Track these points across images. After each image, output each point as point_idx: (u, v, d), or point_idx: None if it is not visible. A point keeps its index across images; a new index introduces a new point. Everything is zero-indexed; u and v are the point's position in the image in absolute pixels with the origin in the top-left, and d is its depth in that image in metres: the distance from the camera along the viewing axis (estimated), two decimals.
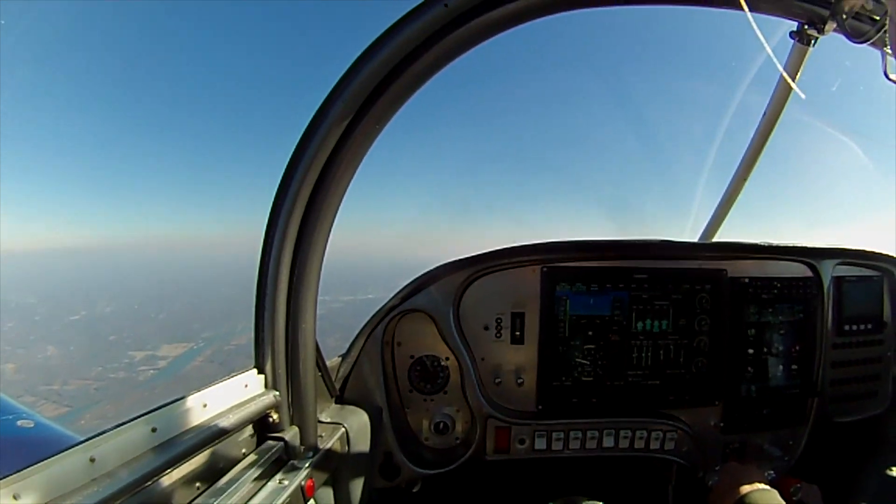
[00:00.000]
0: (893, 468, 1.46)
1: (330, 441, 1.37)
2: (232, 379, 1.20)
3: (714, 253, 1.78)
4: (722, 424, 1.74)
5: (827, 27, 1.49)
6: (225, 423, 1.11)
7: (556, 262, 1.64)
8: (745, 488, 1.38)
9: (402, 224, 44.81)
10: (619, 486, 1.89)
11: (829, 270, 1.80)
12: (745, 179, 2.01)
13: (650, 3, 1.25)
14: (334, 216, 1.23)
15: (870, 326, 1.86)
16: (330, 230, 1.24)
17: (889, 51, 1.74)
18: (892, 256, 1.90)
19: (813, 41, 1.56)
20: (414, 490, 1.68)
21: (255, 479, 1.14)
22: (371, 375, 1.62)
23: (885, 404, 1.88)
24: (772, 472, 1.73)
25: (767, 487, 1.39)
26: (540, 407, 1.66)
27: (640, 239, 1.74)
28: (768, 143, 1.88)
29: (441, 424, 1.68)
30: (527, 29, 1.15)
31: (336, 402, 1.56)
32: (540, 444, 1.66)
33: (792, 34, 1.55)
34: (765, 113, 1.83)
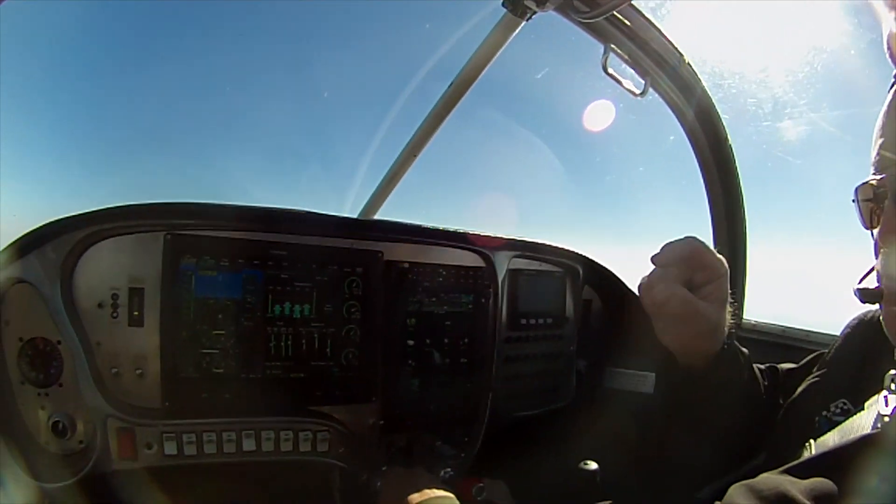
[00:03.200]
0: (588, 462, 1.46)
1: None
2: None
3: (369, 232, 1.56)
4: (381, 423, 1.58)
5: (550, 2, 1.29)
6: None
7: (184, 229, 1.37)
8: (415, 497, 1.21)
9: None
10: (278, 494, 1.66)
11: (504, 262, 1.70)
12: (414, 156, 1.78)
13: None
14: None
15: (549, 321, 1.84)
16: None
17: (615, 48, 1.61)
18: (575, 253, 1.88)
19: (529, 14, 1.33)
20: None
21: None
22: None
23: (567, 399, 1.90)
24: (449, 470, 1.62)
25: (442, 494, 1.22)
26: (167, 404, 1.38)
27: (283, 208, 1.48)
28: (446, 121, 1.64)
29: (59, 425, 1.36)
30: None
31: None
32: (170, 448, 1.40)
33: (505, 3, 1.33)
34: (450, 84, 1.58)
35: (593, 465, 1.46)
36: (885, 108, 0.70)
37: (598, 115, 1.67)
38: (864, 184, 0.71)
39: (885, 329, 0.73)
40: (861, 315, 0.99)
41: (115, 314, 1.36)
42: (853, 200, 0.74)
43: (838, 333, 1.66)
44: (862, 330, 0.96)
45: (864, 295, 0.73)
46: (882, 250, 0.70)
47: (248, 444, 1.46)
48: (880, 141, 0.70)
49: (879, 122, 0.71)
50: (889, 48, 0.57)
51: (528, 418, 1.81)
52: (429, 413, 1.65)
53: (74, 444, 1.40)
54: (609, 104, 1.66)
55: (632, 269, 1.80)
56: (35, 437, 1.39)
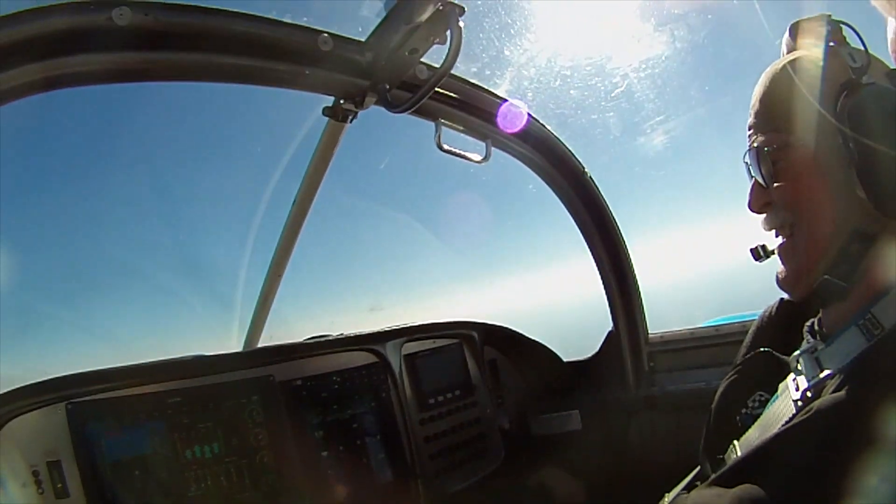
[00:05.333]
0: None
1: None
2: None
3: (254, 360, 1.61)
4: None
5: (367, 100, 1.32)
6: None
7: (83, 396, 1.41)
8: None
9: None
10: None
11: (396, 351, 1.74)
12: (279, 276, 1.79)
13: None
14: None
15: (458, 392, 1.87)
16: None
17: (445, 122, 1.63)
18: (464, 322, 1.93)
19: (351, 116, 1.37)
20: None
21: None
22: None
23: (498, 459, 1.91)
24: None
25: None
26: None
27: (170, 358, 1.54)
28: (301, 233, 1.66)
29: None
30: None
31: None
32: None
33: (326, 111, 1.36)
34: (294, 202, 1.59)
35: None
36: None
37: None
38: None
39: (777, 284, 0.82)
40: (767, 311, 1.03)
41: (40, 490, 1.36)
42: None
43: (744, 318, 1.70)
44: (770, 323, 1.00)
45: (756, 253, 0.84)
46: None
47: None
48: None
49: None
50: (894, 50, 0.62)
51: (467, 489, 1.81)
52: None
53: None
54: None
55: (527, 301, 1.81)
56: None
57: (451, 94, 1.50)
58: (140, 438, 1.45)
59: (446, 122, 1.49)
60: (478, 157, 1.52)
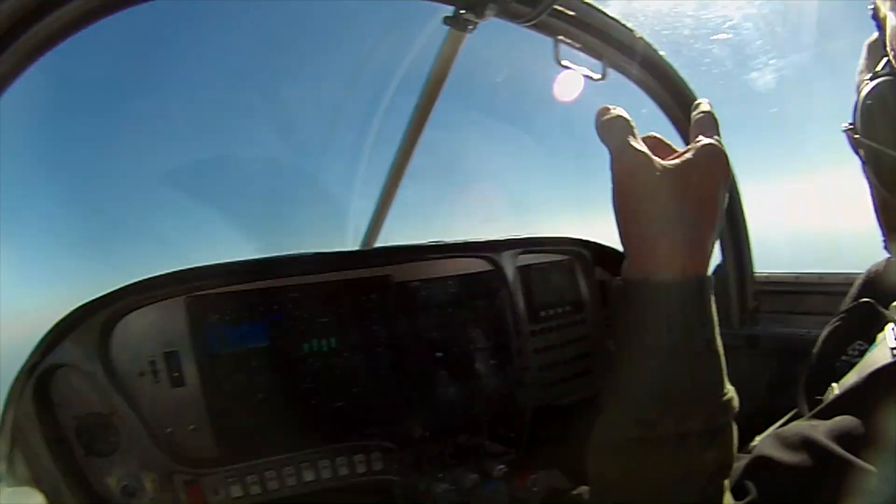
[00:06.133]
0: None
1: None
2: None
3: (373, 259, 1.65)
4: (428, 434, 1.64)
5: (488, 12, 1.35)
6: None
7: (202, 289, 1.46)
8: None
9: None
10: None
11: (510, 261, 1.75)
12: (399, 178, 1.85)
13: None
14: None
15: (568, 308, 1.87)
16: None
17: (564, 38, 1.66)
18: (578, 239, 1.91)
19: (471, 27, 1.40)
20: None
21: None
22: (37, 447, 1.35)
23: (602, 379, 1.90)
24: (503, 467, 1.64)
25: None
26: (224, 451, 1.48)
27: (290, 254, 1.58)
28: (420, 140, 1.70)
29: (128, 488, 1.45)
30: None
31: (6, 486, 1.30)
32: (236, 490, 1.48)
33: (447, 20, 1.39)
34: (415, 108, 1.65)
35: None
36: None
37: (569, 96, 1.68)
38: None
39: None
40: (875, 266, 1.02)
41: (156, 380, 1.44)
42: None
43: (849, 271, 1.66)
44: (877, 278, 0.99)
45: None
46: None
47: (308, 475, 1.53)
48: None
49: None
50: (892, 46, 0.63)
51: (571, 405, 1.82)
52: (471, 416, 1.70)
53: (146, 502, 1.47)
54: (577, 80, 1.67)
55: None
56: (109, 501, 1.46)
57: (569, 13, 1.52)
58: (257, 331, 1.51)
59: (564, 38, 1.53)
60: (596, 76, 1.54)
